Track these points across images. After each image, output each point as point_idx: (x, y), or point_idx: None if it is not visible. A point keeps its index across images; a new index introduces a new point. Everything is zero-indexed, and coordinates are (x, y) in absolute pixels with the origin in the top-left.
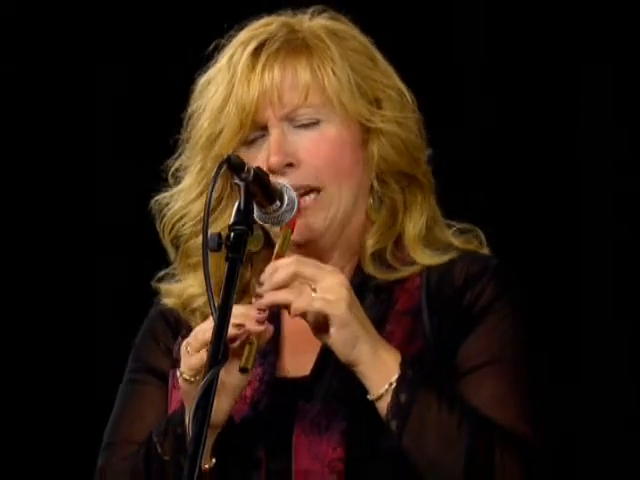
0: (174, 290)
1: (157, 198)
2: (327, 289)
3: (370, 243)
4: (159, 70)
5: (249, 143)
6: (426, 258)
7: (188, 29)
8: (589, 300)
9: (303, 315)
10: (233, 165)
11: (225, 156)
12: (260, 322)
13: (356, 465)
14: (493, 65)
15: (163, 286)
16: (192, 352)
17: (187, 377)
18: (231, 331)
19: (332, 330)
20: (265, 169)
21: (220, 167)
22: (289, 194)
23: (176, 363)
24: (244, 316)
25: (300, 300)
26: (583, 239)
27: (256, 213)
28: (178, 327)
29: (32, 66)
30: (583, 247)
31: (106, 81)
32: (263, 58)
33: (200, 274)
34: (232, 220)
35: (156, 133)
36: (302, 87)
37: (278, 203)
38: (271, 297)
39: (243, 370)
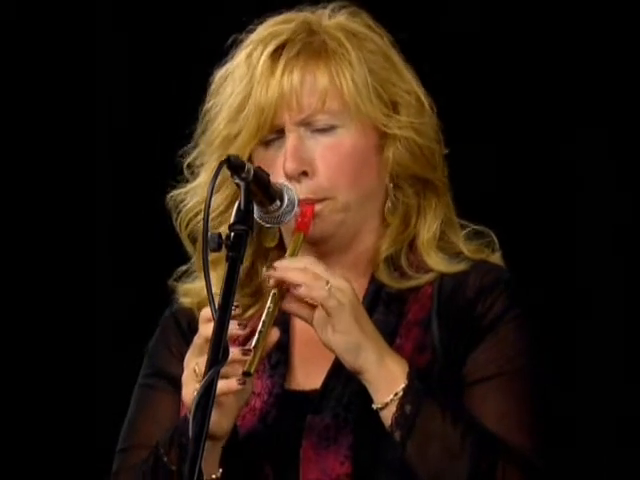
0: (192, 290)
1: (172, 194)
2: (337, 288)
3: (384, 247)
4: (160, 69)
5: (266, 144)
6: (439, 263)
7: (204, 23)
8: (588, 303)
9: (309, 321)
10: (233, 165)
11: (225, 156)
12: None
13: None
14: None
15: (181, 286)
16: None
17: None
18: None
19: (335, 336)
20: (282, 173)
21: (220, 167)
22: (289, 194)
23: None
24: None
25: (317, 287)
26: (582, 244)
27: (256, 213)
28: (191, 333)
29: (32, 65)
30: (582, 250)
31: (106, 80)
32: (283, 61)
33: (217, 272)
34: (232, 220)
35: (156, 132)
36: (320, 92)
37: (278, 203)
38: (284, 272)
39: (246, 374)
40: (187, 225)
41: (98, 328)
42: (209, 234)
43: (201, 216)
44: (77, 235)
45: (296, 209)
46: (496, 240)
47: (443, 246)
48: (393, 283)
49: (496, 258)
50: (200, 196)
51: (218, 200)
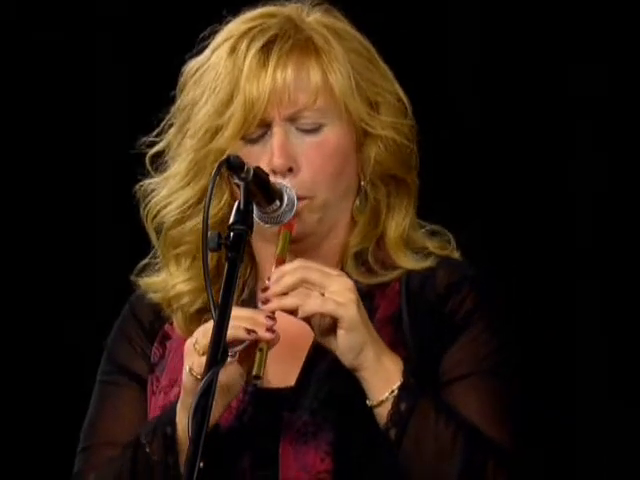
0: (157, 284)
1: (142, 183)
2: (336, 293)
3: (353, 243)
4: (159, 72)
5: (252, 141)
6: (407, 261)
7: (177, 16)
8: (581, 300)
9: (308, 319)
10: (233, 165)
11: (225, 156)
12: (270, 329)
13: (344, 476)
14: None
15: (144, 281)
16: (202, 351)
17: (198, 375)
18: (241, 334)
19: (340, 333)
20: (268, 169)
21: (219, 168)
22: (289, 194)
23: (153, 368)
24: (253, 321)
25: (310, 302)
26: (578, 241)
27: (255, 213)
28: (153, 332)
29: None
30: (577, 249)
31: (106, 81)
32: (275, 56)
33: (186, 270)
34: (232, 220)
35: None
36: (313, 89)
37: (278, 203)
38: (279, 302)
39: (256, 378)
40: (155, 216)
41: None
42: (209, 234)
43: (170, 208)
44: (77, 234)
45: (295, 209)
46: (453, 240)
47: (408, 243)
48: (361, 279)
49: (457, 256)
50: (171, 187)
51: (190, 193)
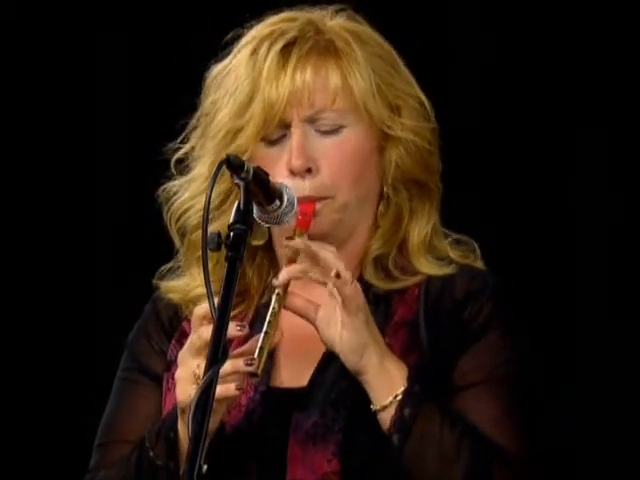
0: (177, 287)
1: (165, 186)
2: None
3: (374, 247)
4: (159, 70)
5: (272, 143)
6: (428, 267)
7: (196, 20)
8: (585, 302)
9: (313, 322)
10: (232, 165)
11: (224, 152)
12: (249, 364)
13: (351, 478)
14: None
15: (164, 284)
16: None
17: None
18: (231, 393)
19: (343, 334)
20: (287, 170)
21: (219, 167)
22: (289, 194)
23: (170, 366)
24: (237, 375)
25: (316, 270)
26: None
27: (256, 212)
28: (172, 329)
29: (32, 67)
30: (579, 250)
31: (106, 80)
32: (294, 58)
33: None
34: (231, 219)
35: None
36: (332, 90)
37: (277, 202)
38: (289, 268)
39: (253, 375)
40: (177, 220)
41: (98, 326)
42: (209, 234)
43: (192, 211)
44: (77, 233)
45: (295, 209)
46: (478, 250)
47: (430, 250)
48: (381, 284)
49: (480, 266)
50: (193, 190)
51: (212, 196)
